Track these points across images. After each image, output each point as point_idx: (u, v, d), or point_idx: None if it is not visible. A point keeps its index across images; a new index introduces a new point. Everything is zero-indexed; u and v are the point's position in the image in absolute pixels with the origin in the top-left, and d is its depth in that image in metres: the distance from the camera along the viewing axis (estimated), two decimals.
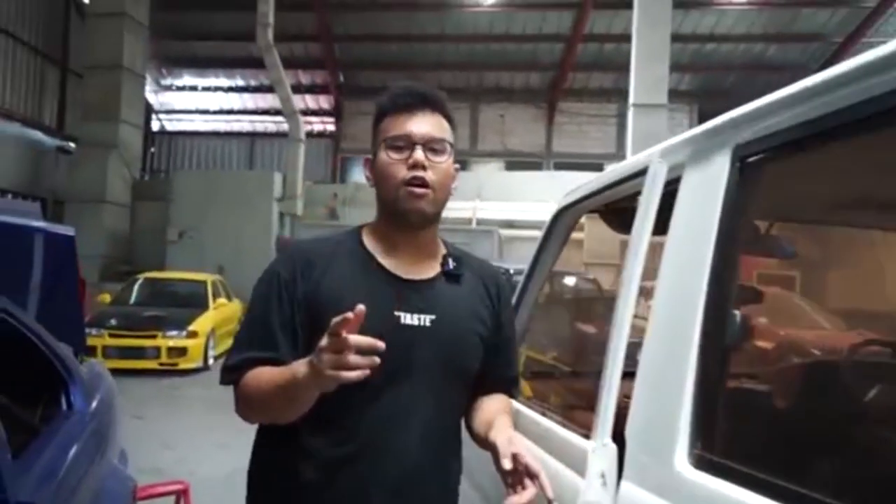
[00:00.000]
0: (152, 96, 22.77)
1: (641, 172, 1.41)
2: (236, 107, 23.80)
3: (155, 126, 23.89)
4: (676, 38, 14.00)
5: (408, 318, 1.35)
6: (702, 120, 15.86)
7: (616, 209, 1.89)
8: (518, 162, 20.79)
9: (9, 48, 16.10)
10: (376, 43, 19.73)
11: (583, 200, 1.86)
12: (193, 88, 23.29)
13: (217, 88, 23.15)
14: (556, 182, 16.19)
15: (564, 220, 1.95)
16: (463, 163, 21.39)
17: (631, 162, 1.61)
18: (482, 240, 14.44)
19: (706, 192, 1.17)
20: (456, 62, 20.60)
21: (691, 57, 19.13)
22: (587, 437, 1.33)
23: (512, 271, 10.56)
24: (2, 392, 2.25)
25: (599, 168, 19.89)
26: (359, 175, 22.47)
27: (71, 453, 2.35)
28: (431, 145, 1.37)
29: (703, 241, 1.12)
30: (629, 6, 13.38)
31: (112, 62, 15.53)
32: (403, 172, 1.35)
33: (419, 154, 1.35)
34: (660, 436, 1.11)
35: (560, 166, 19.83)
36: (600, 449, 1.26)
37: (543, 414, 1.72)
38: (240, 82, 22.87)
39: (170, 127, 24.34)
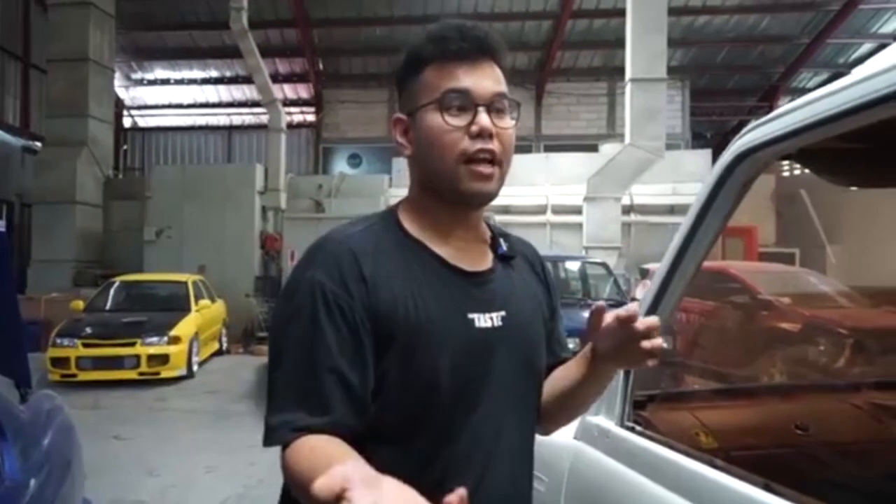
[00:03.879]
0: (122, 92, 21.73)
1: None
2: (212, 99, 22.74)
3: (127, 122, 22.83)
4: (668, 11, 13.35)
5: (481, 320, 1.09)
6: (694, 96, 15.38)
7: (834, 150, 1.20)
8: None
9: None
10: (357, 27, 18.88)
11: (779, 141, 1.15)
12: (166, 82, 22.21)
13: (191, 81, 22.12)
14: (550, 163, 15.56)
15: (742, 170, 1.24)
16: None
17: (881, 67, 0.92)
18: None
19: None
20: None
21: (683, 31, 18.46)
22: None
23: None
24: None
25: (592, 149, 19.21)
26: (342, 165, 21.64)
27: None
28: (497, 105, 1.08)
29: None
30: None
31: (77, 55, 14.59)
32: (465, 143, 1.06)
33: (485, 119, 1.06)
34: None
35: (550, 148, 19.09)
36: None
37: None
38: (214, 73, 21.80)
39: (142, 123, 23.31)
